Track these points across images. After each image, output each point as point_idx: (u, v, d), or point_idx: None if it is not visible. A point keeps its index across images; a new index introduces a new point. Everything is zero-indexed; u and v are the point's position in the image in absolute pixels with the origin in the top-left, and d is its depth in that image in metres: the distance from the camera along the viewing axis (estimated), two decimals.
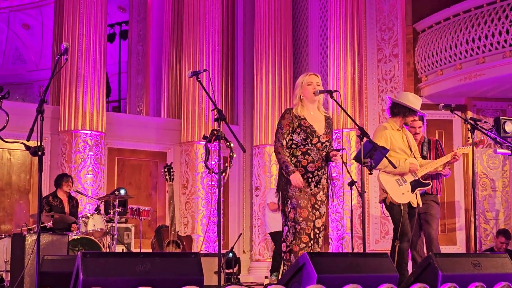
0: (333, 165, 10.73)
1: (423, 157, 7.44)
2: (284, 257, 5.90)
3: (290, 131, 5.97)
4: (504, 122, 9.16)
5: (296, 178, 5.82)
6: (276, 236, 10.07)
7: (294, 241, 5.84)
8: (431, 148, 7.67)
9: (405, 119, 6.88)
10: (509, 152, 8.71)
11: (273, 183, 11.86)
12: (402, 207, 6.65)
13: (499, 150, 8.92)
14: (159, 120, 12.89)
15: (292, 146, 5.99)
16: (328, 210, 10.95)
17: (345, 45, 11.32)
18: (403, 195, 6.71)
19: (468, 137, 9.52)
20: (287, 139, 6.00)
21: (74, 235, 8.90)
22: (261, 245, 11.95)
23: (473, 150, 6.75)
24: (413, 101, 6.87)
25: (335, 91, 5.97)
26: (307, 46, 12.83)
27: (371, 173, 5.93)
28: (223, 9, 12.78)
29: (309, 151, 5.96)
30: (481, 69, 10.19)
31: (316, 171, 5.99)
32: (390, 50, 11.35)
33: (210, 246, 11.29)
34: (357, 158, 6.00)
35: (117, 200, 9.37)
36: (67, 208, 9.46)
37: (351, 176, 8.26)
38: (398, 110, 6.88)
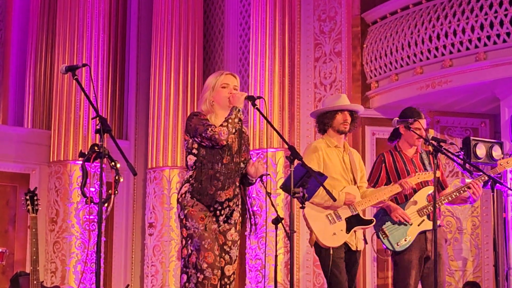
0: (253, 195, 10.85)
1: None
2: None
3: (199, 140, 5.94)
4: (476, 144, 9.31)
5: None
6: None
7: None
8: (432, 163, 7.58)
9: (338, 127, 6.92)
10: (481, 182, 8.88)
11: (173, 217, 11.82)
12: (332, 252, 6.67)
13: (467, 180, 9.09)
14: (20, 131, 12.70)
15: (197, 164, 5.96)
16: (244, 253, 11.02)
17: (272, 37, 11.37)
18: (334, 236, 6.72)
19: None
20: (192, 151, 5.97)
21: None
22: None
23: (434, 180, 6.83)
24: (330, 99, 6.99)
25: (259, 97, 6.00)
26: (222, 38, 12.86)
27: (303, 207, 5.95)
28: None
29: (217, 175, 5.95)
30: (448, 75, 10.34)
31: (227, 202, 5.99)
32: (331, 47, 11.46)
33: None
34: (285, 187, 5.99)
35: None
36: None
37: (276, 211, 8.24)
38: (322, 122, 6.95)
